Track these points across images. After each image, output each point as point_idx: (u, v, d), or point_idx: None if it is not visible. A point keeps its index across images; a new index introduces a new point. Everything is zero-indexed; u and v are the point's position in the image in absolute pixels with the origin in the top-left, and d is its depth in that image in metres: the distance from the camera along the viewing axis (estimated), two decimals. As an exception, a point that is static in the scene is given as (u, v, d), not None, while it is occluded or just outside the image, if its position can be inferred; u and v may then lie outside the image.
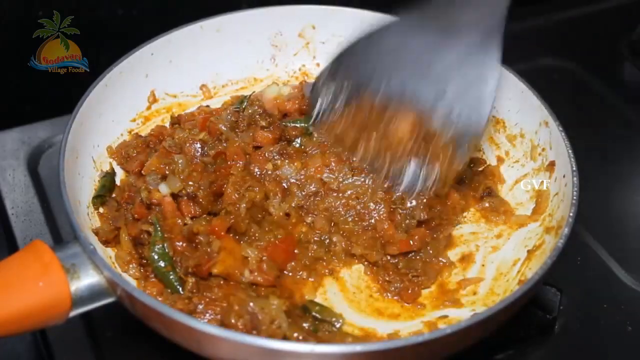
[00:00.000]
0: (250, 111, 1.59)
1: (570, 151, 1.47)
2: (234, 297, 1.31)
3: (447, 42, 1.45)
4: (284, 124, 1.59)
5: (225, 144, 1.53)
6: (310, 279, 1.44)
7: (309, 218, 1.50)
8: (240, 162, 1.50)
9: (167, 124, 1.69)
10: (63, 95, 1.60)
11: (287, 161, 1.52)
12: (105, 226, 1.45)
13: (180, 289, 1.35)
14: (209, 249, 1.36)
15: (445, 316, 1.41)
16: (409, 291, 1.44)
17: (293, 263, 1.44)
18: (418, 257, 1.48)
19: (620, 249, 1.65)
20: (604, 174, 1.79)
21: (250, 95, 1.64)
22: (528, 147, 1.63)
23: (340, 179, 1.52)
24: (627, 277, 1.60)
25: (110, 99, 1.59)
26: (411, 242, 1.47)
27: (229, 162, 1.51)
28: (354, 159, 1.53)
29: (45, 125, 1.83)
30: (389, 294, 1.45)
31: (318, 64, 1.85)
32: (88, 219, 1.44)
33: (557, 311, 1.49)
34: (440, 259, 1.50)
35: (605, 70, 2.11)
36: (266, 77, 1.84)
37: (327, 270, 1.48)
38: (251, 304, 1.29)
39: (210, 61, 1.77)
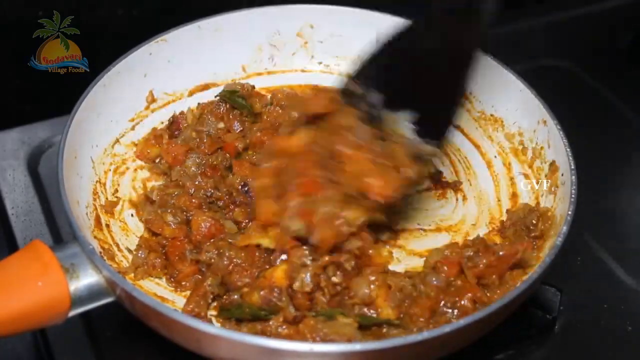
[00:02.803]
0: None
1: (568, 149, 1.47)
2: (303, 326, 1.28)
3: None
4: None
5: None
6: None
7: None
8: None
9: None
10: (63, 95, 1.60)
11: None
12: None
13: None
14: None
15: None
16: None
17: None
18: None
19: (620, 249, 1.64)
20: (604, 173, 1.78)
21: None
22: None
23: None
24: (627, 277, 1.59)
25: (109, 99, 1.59)
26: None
27: None
28: None
29: (45, 125, 1.82)
30: None
31: (318, 63, 1.85)
32: (87, 218, 1.44)
33: (557, 311, 1.48)
34: None
35: (605, 70, 2.11)
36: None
37: None
38: (325, 330, 1.26)
39: (208, 61, 1.77)
